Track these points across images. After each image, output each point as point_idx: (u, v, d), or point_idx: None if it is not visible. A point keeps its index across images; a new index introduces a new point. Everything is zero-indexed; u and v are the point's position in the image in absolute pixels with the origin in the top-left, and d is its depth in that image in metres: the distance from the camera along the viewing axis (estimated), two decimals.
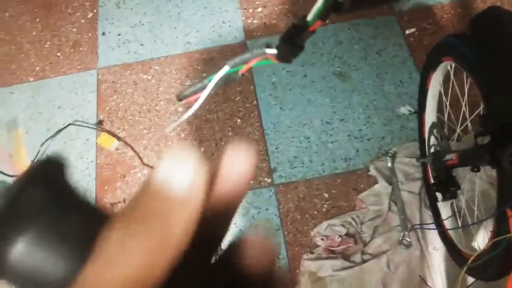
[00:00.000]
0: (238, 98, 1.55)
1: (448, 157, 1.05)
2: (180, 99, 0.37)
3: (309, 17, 0.24)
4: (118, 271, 0.14)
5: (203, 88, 0.28)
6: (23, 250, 0.16)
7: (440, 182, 1.11)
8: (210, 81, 0.28)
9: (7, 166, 1.43)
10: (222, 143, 1.47)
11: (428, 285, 1.19)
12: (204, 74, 1.62)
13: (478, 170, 0.89)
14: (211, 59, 1.65)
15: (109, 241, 0.15)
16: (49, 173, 0.17)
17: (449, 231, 1.17)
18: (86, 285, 0.15)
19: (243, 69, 0.25)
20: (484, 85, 0.87)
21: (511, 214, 0.82)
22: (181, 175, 0.16)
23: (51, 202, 0.17)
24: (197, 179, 0.16)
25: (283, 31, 0.22)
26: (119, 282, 0.14)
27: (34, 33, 1.79)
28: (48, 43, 1.77)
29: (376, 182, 1.37)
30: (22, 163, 1.44)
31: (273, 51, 0.23)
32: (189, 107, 0.32)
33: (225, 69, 0.28)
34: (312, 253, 1.29)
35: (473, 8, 1.64)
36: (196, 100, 0.31)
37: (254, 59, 0.26)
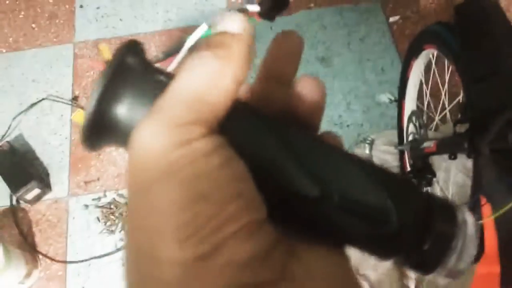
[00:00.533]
0: None
1: (426, 145, 1.06)
2: (154, 63, 0.35)
3: None
4: (195, 78, 0.19)
5: (178, 49, 0.27)
6: (126, 106, 0.19)
7: (417, 170, 1.12)
8: (186, 41, 0.27)
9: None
10: None
11: (401, 271, 1.21)
12: None
13: (455, 158, 0.90)
14: None
15: (185, 62, 0.20)
16: (136, 48, 0.21)
17: None
18: (172, 93, 0.19)
19: None
20: (466, 73, 0.87)
21: (485, 202, 0.83)
22: (233, 21, 0.21)
23: (142, 67, 0.20)
24: (245, 24, 0.21)
25: None
26: (199, 86, 0.19)
27: (7, 1, 1.72)
28: (22, 13, 1.69)
29: None
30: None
31: (256, 7, 0.22)
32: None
33: (203, 28, 0.26)
34: None
35: None
36: (170, 64, 0.30)
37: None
